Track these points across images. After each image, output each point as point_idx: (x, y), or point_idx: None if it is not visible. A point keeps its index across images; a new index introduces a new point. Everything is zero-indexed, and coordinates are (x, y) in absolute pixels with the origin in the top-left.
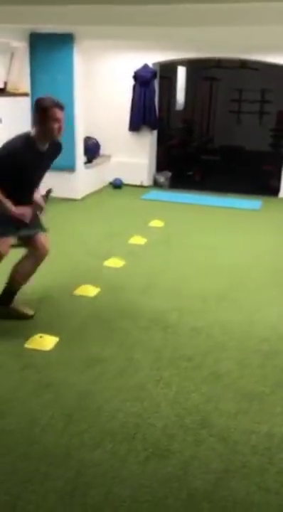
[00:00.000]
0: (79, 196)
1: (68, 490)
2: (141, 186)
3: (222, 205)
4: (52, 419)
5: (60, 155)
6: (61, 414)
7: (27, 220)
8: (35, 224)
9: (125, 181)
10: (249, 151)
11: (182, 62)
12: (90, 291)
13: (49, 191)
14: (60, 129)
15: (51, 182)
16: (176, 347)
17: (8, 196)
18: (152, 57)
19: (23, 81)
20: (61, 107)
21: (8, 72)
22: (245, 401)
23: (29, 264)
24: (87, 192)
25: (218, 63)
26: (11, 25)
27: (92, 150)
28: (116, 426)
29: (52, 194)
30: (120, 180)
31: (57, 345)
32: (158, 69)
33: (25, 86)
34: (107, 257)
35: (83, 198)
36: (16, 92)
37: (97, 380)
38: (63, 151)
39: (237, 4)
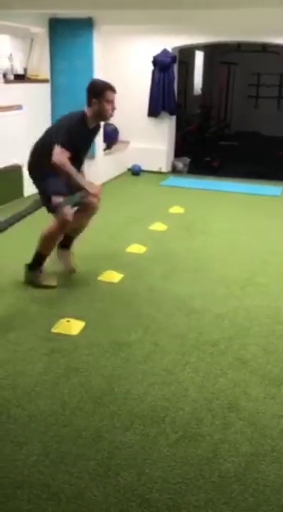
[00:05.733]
0: (98, 183)
1: (101, 471)
2: (160, 172)
3: (241, 191)
4: (81, 402)
5: None
6: (90, 397)
7: (95, 191)
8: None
9: (143, 167)
10: (266, 136)
11: (200, 47)
12: (114, 276)
13: None
14: (113, 109)
15: None
16: (201, 332)
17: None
18: (171, 42)
19: (43, 67)
20: (114, 90)
21: (28, 58)
22: (273, 386)
23: (82, 219)
24: (107, 178)
25: (238, 47)
26: (31, 11)
27: (111, 136)
28: (145, 409)
29: None
30: (139, 167)
31: (84, 330)
32: (177, 54)
33: (45, 72)
34: (129, 243)
35: (103, 185)
36: (36, 78)
37: (124, 365)
38: None
39: None
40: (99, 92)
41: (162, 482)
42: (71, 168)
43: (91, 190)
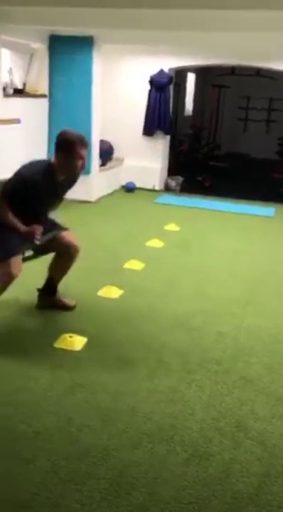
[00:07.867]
0: (93, 198)
1: (112, 490)
2: (153, 190)
3: (235, 211)
4: (87, 419)
5: None
6: (96, 414)
7: (37, 238)
8: (52, 227)
9: (137, 185)
10: (254, 158)
11: (192, 69)
12: (114, 292)
13: None
14: (82, 166)
15: None
16: (204, 350)
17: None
18: (168, 63)
19: (41, 82)
20: (86, 145)
21: (27, 73)
22: (280, 405)
23: (63, 264)
24: (101, 194)
25: (232, 71)
26: (31, 27)
27: (106, 153)
28: (152, 427)
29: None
30: (133, 184)
31: (86, 346)
32: (173, 75)
33: (44, 87)
34: (126, 260)
35: (97, 201)
36: (35, 93)
37: (129, 381)
38: None
39: (258, 12)
40: (70, 147)
41: (175, 502)
42: (9, 222)
43: (25, 236)
